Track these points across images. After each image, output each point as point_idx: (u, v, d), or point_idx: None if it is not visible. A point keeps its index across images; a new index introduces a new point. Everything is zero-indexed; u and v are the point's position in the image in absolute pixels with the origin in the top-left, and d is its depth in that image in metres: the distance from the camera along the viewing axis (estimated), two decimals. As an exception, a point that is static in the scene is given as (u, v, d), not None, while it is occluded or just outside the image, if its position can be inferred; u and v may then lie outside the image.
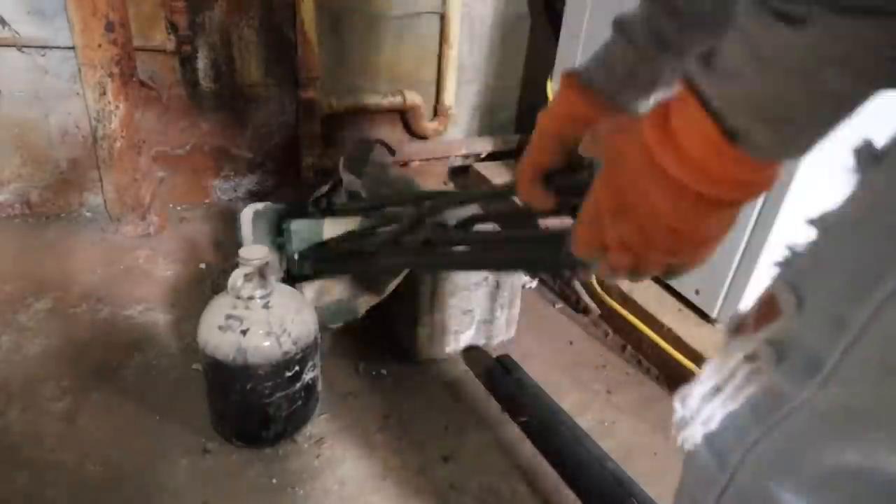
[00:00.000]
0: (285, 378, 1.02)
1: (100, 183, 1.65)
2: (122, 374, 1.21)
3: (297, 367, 1.03)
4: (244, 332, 0.97)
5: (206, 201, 1.88)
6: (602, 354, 1.41)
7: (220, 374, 1.01)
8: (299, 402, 1.07)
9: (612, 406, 1.26)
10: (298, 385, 1.05)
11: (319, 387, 1.15)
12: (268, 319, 0.98)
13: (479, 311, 1.33)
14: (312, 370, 1.08)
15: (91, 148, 1.61)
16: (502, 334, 1.40)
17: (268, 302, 0.99)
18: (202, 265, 1.58)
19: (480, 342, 1.38)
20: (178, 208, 1.83)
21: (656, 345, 1.31)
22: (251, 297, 0.98)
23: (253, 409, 1.04)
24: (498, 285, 1.32)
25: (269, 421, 1.05)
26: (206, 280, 1.52)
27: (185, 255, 1.62)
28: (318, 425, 1.14)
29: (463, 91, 2.08)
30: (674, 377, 1.30)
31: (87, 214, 1.72)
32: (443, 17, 1.90)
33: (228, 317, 0.98)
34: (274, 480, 1.03)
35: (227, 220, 1.79)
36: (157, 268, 1.55)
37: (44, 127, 1.59)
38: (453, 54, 1.95)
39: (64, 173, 1.66)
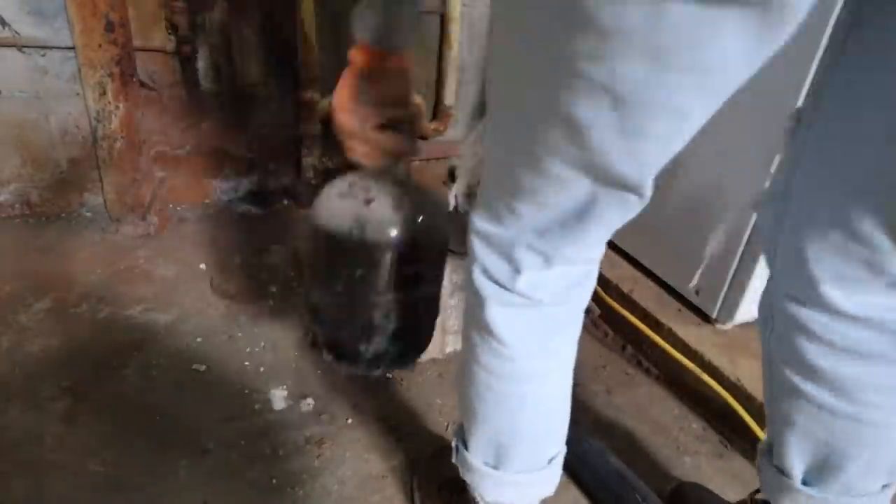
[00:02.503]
0: (402, 275, 0.81)
1: (100, 183, 1.65)
2: (122, 374, 1.21)
3: (418, 267, 0.83)
4: (368, 202, 0.79)
5: (206, 201, 1.88)
6: (602, 354, 1.41)
7: (330, 251, 0.83)
8: (411, 321, 0.87)
9: (613, 406, 1.26)
10: (416, 294, 0.85)
11: (436, 322, 0.95)
12: (400, 195, 0.80)
13: None
14: (435, 286, 0.89)
15: (91, 148, 1.61)
16: None
17: (403, 179, 0.81)
18: (202, 265, 1.58)
19: None
20: (178, 208, 1.83)
21: (656, 345, 1.31)
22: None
23: (357, 308, 0.84)
24: None
25: (373, 331, 0.85)
26: (205, 280, 1.52)
27: (185, 255, 1.62)
28: (319, 425, 1.14)
29: (463, 91, 2.08)
30: (674, 377, 1.30)
31: (87, 214, 1.72)
32: (443, 17, 1.90)
33: (353, 184, 0.80)
34: (274, 481, 1.03)
35: (227, 221, 1.80)
36: (157, 268, 1.55)
37: (44, 127, 1.59)
38: (453, 54, 1.95)
39: (64, 173, 1.66)
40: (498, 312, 0.68)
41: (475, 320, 0.70)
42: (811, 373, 0.67)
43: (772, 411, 0.77)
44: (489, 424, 0.76)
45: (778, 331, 0.71)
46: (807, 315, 0.66)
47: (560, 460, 0.81)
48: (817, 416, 0.69)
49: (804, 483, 0.74)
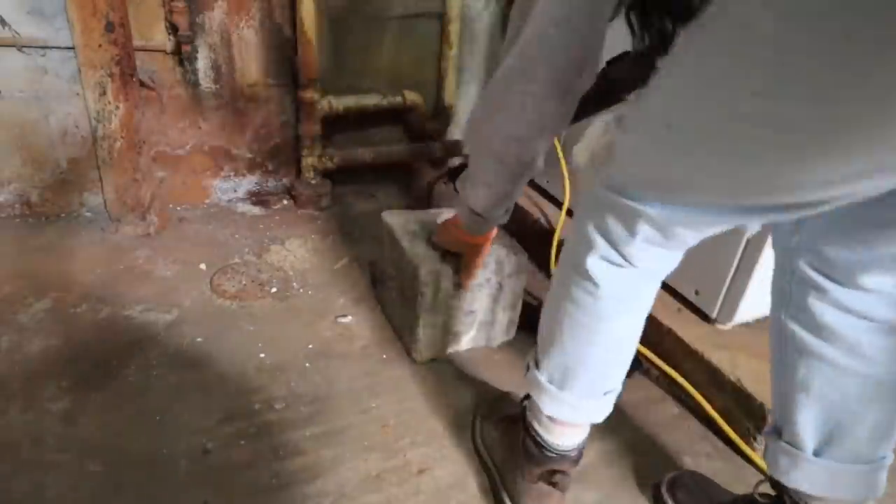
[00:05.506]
0: None
1: (100, 183, 1.65)
2: (122, 374, 1.21)
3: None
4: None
5: (206, 201, 1.88)
6: (602, 354, 1.41)
7: None
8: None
9: (613, 406, 1.26)
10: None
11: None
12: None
13: (481, 312, 1.33)
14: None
15: (91, 148, 1.61)
16: (503, 335, 1.40)
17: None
18: (202, 265, 1.58)
19: (481, 343, 1.38)
20: (178, 208, 1.83)
21: (656, 345, 1.31)
22: None
23: None
24: (500, 287, 1.32)
25: None
26: (206, 280, 1.52)
27: (185, 255, 1.62)
28: (319, 425, 1.14)
29: (463, 91, 2.08)
30: (673, 378, 1.30)
31: (87, 214, 1.72)
32: (443, 17, 1.90)
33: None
34: (274, 481, 1.03)
35: (227, 221, 1.80)
36: (157, 268, 1.55)
37: (44, 127, 1.59)
38: (453, 54, 1.95)
39: (64, 173, 1.66)
40: (598, 262, 0.79)
41: (575, 262, 0.81)
42: (829, 334, 0.77)
43: (784, 388, 0.84)
44: (563, 350, 0.87)
45: (797, 298, 0.80)
46: (830, 285, 0.75)
47: (614, 396, 0.92)
48: (832, 378, 0.78)
49: (815, 454, 0.82)
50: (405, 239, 1.31)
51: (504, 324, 1.38)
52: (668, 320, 1.33)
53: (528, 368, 0.95)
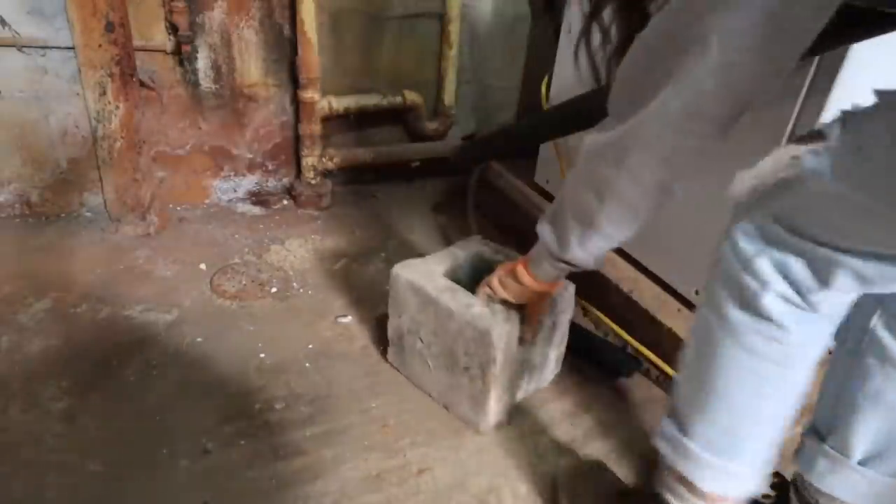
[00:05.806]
0: None
1: (100, 183, 1.65)
2: (122, 374, 1.21)
3: None
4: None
5: (206, 201, 1.88)
6: (602, 354, 1.41)
7: None
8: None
9: (613, 407, 1.26)
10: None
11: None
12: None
13: (535, 358, 1.21)
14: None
15: (91, 148, 1.61)
16: (552, 373, 1.30)
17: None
18: (202, 265, 1.58)
19: (532, 388, 1.26)
20: (178, 208, 1.83)
21: (656, 345, 1.31)
22: None
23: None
24: (553, 325, 1.21)
25: None
26: (206, 280, 1.52)
27: (185, 255, 1.62)
28: (319, 425, 1.14)
29: (463, 91, 2.08)
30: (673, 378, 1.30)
31: (87, 214, 1.72)
32: (443, 17, 1.90)
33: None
34: (274, 480, 1.03)
35: (227, 221, 1.80)
36: (157, 268, 1.55)
37: (44, 127, 1.59)
38: (453, 54, 1.95)
39: (64, 173, 1.66)
40: (777, 301, 0.68)
41: (745, 301, 0.70)
42: None
43: (845, 393, 0.79)
44: (728, 407, 0.74)
45: (891, 307, 0.73)
46: None
47: (771, 465, 0.79)
48: None
49: (860, 463, 0.78)
50: (446, 297, 1.10)
51: (553, 361, 1.28)
52: (668, 320, 1.32)
53: (664, 438, 0.82)
